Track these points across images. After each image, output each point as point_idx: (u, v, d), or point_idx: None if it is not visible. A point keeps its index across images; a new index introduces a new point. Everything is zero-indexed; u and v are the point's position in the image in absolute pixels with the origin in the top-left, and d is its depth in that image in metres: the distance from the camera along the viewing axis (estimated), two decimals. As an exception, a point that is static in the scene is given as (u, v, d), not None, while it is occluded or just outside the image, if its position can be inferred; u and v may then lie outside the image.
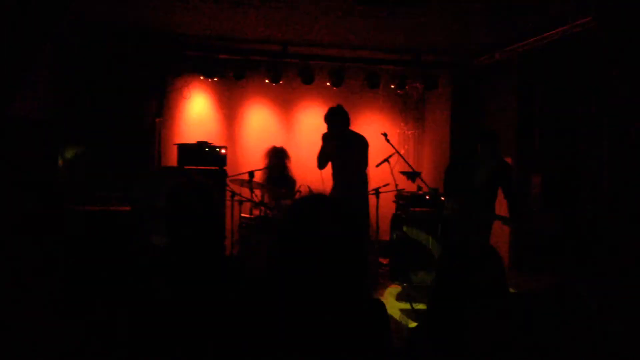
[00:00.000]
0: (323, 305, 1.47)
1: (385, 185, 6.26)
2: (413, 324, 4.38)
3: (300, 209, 1.55)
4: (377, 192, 6.22)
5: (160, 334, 1.91)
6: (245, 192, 6.29)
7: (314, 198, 1.55)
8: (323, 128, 5.90)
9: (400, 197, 6.52)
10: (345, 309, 1.49)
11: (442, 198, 5.73)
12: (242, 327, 1.54)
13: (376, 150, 6.30)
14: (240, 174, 6.12)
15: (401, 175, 6.97)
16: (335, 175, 5.99)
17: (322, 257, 1.46)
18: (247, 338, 1.51)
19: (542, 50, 6.49)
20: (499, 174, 5.11)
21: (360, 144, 5.93)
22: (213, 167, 6.48)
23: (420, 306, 4.98)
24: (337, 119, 5.80)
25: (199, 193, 2.11)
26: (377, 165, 6.34)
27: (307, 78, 7.33)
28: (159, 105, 7.31)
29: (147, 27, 6.50)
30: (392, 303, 5.34)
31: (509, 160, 7.22)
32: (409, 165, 5.66)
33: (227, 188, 6.28)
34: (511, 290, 1.87)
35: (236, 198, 6.24)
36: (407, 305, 5.12)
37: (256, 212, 6.32)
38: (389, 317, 1.62)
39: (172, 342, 1.90)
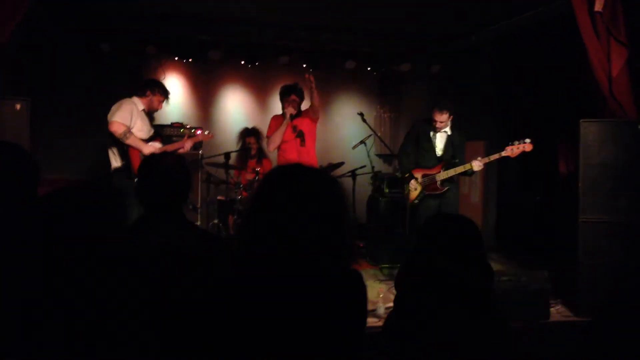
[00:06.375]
0: (298, 273, 1.46)
1: (361, 167, 6.26)
2: (389, 304, 4.41)
3: (276, 174, 1.54)
4: (353, 173, 6.22)
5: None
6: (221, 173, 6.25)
7: (292, 165, 1.53)
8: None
9: (377, 179, 6.54)
10: (321, 277, 1.48)
11: None
12: (214, 300, 1.52)
13: (352, 131, 6.27)
14: (215, 155, 6.06)
15: (377, 158, 6.99)
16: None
17: (298, 223, 1.44)
18: (220, 311, 1.49)
19: (519, 32, 6.53)
20: None
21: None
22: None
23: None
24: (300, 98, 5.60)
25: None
26: (354, 147, 6.33)
27: (283, 59, 7.26)
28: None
29: (120, 6, 6.35)
30: (368, 283, 5.35)
31: (481, 143, 7.30)
32: (387, 147, 5.66)
33: (203, 170, 6.23)
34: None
35: (212, 180, 6.20)
36: (382, 285, 5.17)
37: (232, 194, 6.29)
38: (366, 288, 1.61)
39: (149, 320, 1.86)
